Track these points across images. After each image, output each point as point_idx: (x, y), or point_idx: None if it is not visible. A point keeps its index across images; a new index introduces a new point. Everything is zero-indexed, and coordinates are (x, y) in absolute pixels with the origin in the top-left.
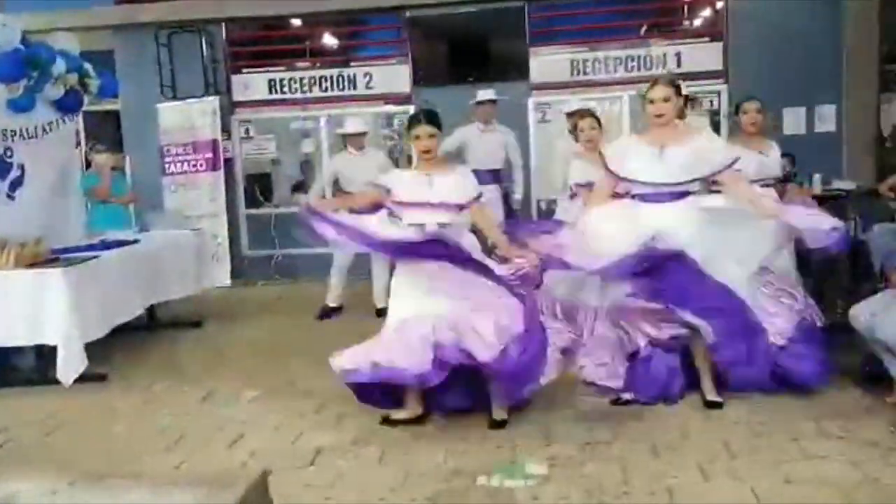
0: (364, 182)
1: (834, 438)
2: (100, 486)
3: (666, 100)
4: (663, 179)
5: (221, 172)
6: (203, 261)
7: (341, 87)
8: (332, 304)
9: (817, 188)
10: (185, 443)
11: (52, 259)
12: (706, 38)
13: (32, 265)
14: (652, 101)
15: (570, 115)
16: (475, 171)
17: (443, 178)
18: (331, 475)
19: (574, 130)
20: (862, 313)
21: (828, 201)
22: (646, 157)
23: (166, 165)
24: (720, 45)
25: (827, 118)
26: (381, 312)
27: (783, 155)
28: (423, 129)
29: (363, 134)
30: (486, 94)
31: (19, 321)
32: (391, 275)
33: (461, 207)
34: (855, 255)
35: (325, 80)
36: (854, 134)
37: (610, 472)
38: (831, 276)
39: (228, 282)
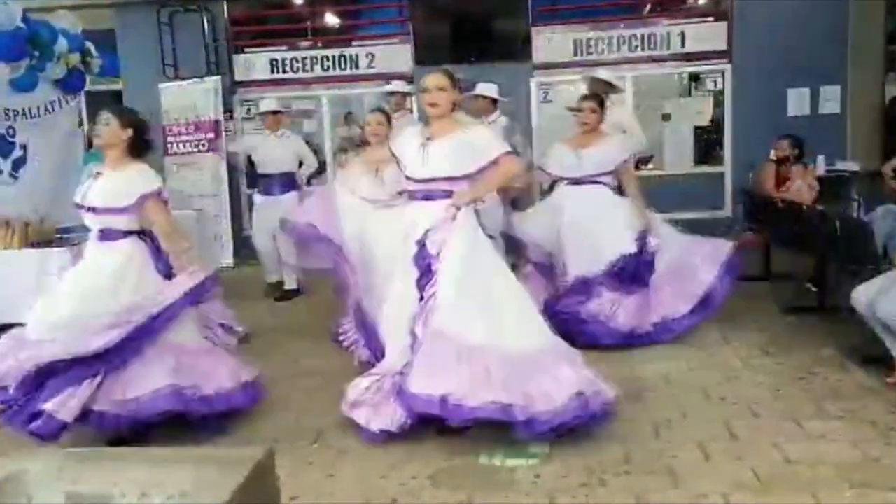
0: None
1: (834, 419)
2: (106, 462)
3: (441, 89)
4: (425, 175)
5: (223, 153)
6: (205, 241)
7: (343, 66)
8: (270, 281)
9: (821, 169)
10: (189, 422)
11: (56, 238)
12: (711, 18)
13: (36, 244)
14: (426, 90)
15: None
16: None
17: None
18: (333, 453)
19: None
20: (864, 294)
21: (831, 183)
22: (414, 151)
23: (168, 145)
24: (725, 24)
25: (831, 99)
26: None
27: (784, 136)
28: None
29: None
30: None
31: (24, 299)
32: None
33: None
34: (857, 237)
35: (327, 60)
36: (859, 115)
37: (610, 451)
38: (833, 258)
39: (231, 262)
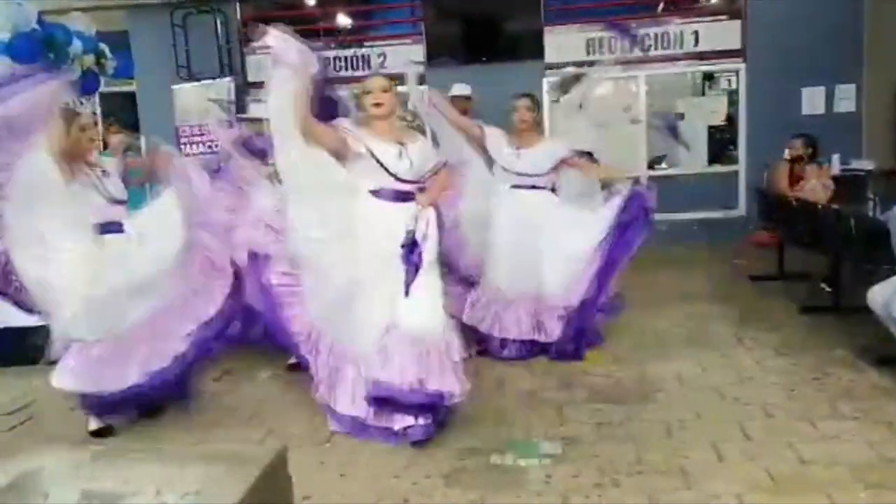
0: None
1: (849, 419)
2: (121, 460)
3: (385, 90)
4: (412, 177)
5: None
6: None
7: (355, 66)
8: None
9: (836, 168)
10: (202, 421)
11: None
12: (724, 17)
13: None
14: (369, 91)
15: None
16: None
17: None
18: (346, 453)
19: None
20: (879, 294)
21: (846, 182)
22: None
23: (182, 146)
24: (738, 23)
25: (846, 97)
26: None
27: (797, 136)
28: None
29: None
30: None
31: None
32: None
33: None
34: (873, 236)
35: (340, 61)
36: (874, 114)
37: (623, 452)
38: (848, 258)
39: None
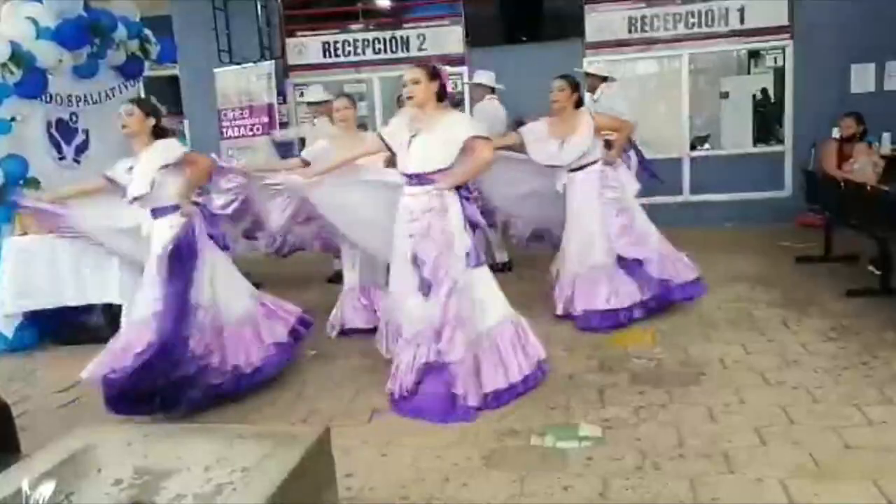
0: None
1: None
2: (171, 438)
3: (416, 82)
4: (411, 171)
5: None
6: None
7: (394, 48)
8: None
9: (886, 148)
10: (246, 400)
11: None
12: None
13: None
14: (405, 84)
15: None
16: None
17: None
18: (387, 433)
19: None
20: None
21: None
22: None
23: (224, 129)
24: None
25: None
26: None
27: (849, 114)
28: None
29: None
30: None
31: (88, 281)
32: None
33: None
34: None
35: (378, 43)
36: None
37: (664, 435)
38: None
39: None
